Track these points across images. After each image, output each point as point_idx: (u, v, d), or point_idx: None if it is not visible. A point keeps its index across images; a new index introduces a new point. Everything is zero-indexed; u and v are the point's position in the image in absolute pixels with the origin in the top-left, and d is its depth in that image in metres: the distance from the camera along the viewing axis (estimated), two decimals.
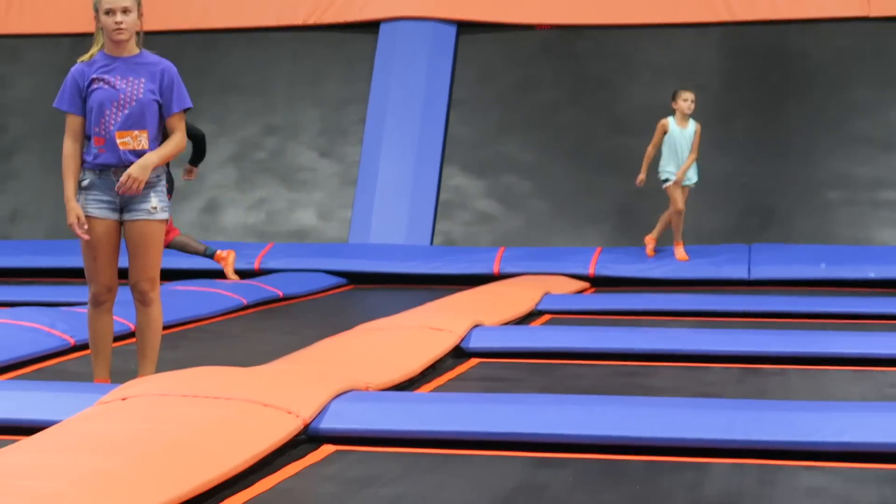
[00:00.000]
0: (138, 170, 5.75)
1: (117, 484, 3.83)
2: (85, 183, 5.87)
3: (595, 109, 14.08)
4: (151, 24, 15.13)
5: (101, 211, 5.88)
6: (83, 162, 5.86)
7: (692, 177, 11.89)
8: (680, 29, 14.39)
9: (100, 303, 6.08)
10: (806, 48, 14.07)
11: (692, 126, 11.81)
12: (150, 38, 15.75)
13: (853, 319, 9.12)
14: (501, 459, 4.76)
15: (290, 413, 4.91)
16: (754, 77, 14.02)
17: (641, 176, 11.87)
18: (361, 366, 6.14)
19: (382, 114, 14.08)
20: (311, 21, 14.88)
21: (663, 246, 12.25)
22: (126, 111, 5.82)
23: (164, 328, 8.38)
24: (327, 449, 4.89)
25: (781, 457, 4.77)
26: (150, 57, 5.99)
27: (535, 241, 13.28)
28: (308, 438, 4.99)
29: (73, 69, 5.94)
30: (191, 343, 7.95)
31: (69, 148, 5.86)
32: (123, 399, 4.96)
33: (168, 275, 12.40)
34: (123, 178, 5.74)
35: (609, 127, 13.93)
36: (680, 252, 12.02)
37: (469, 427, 4.99)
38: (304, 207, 13.99)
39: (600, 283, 12.04)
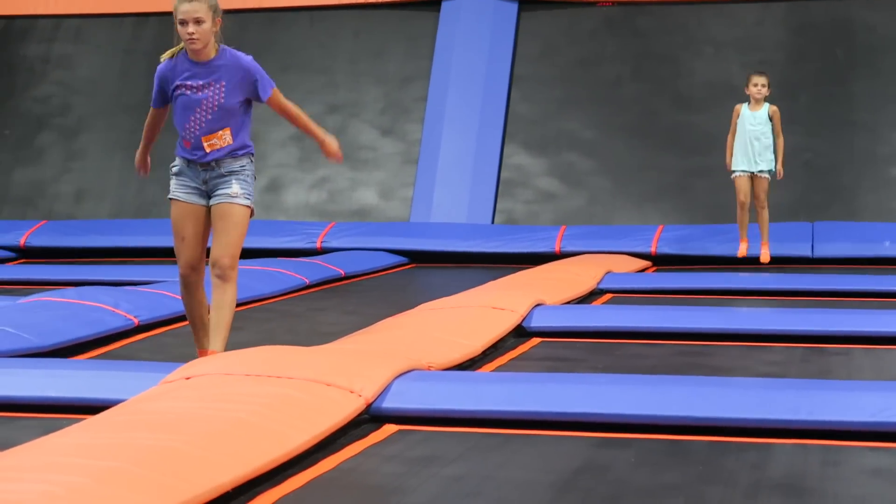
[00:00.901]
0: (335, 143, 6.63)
1: (181, 462, 3.86)
2: (175, 169, 6.26)
3: (657, 86, 14.00)
4: None
5: (188, 196, 6.22)
6: (176, 149, 6.23)
7: (763, 166, 11.09)
8: (743, 4, 14.28)
9: (188, 282, 6.25)
10: (871, 22, 13.91)
11: (765, 109, 11.11)
12: None
13: None
14: (564, 439, 4.76)
15: (352, 392, 4.93)
16: (819, 52, 13.88)
17: (729, 162, 11.15)
18: (423, 345, 6.15)
19: (444, 91, 14.07)
20: None
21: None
22: (209, 117, 6.11)
23: None
24: (389, 428, 4.91)
25: (845, 437, 4.73)
26: (229, 56, 6.18)
27: (596, 220, 13.24)
28: (370, 418, 5.01)
29: (158, 69, 6.21)
30: (254, 323, 8.00)
31: (148, 124, 6.40)
32: (187, 378, 5.01)
33: None
34: (335, 153, 6.67)
35: (671, 103, 13.86)
36: (763, 253, 11.40)
37: (531, 407, 4.99)
38: (365, 186, 14.02)
39: (662, 261, 11.99)
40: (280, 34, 15.07)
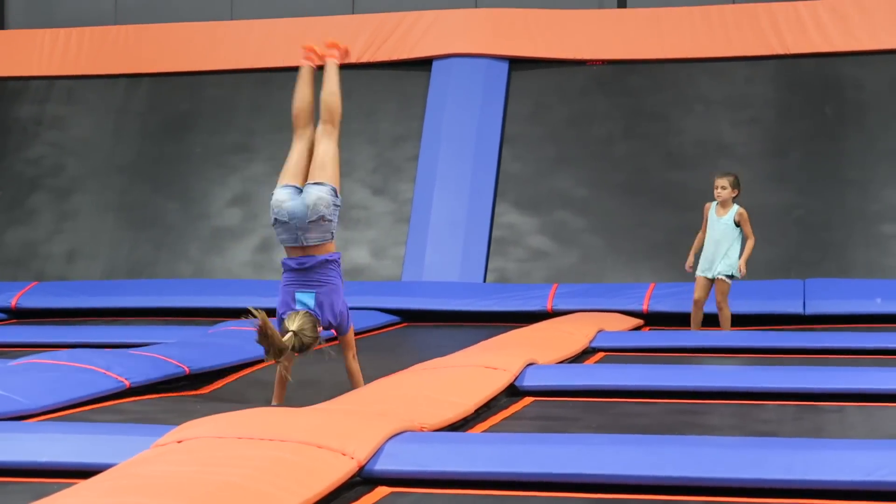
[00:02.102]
0: None
1: None
2: None
3: (648, 144, 14.06)
4: (207, 65, 15.40)
5: None
6: None
7: (721, 269, 10.63)
8: (733, 62, 14.37)
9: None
10: (860, 80, 14.00)
11: (732, 212, 10.64)
12: (207, 78, 15.97)
13: None
14: (558, 500, 4.74)
15: (344, 455, 4.91)
16: (808, 109, 13.96)
17: (690, 260, 10.84)
18: (416, 405, 6.14)
19: (436, 151, 14.12)
20: (365, 59, 14.96)
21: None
22: None
23: (217, 371, 8.47)
24: (382, 491, 4.88)
25: (840, 497, 4.72)
26: None
27: (588, 278, 13.24)
28: (363, 480, 4.99)
29: None
30: (245, 385, 7.97)
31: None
32: (179, 442, 4.99)
33: (223, 314, 12.51)
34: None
35: (663, 161, 13.91)
36: None
37: (525, 468, 4.97)
38: (357, 245, 14.03)
39: (654, 319, 11.98)
40: (273, 95, 15.12)
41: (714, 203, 10.76)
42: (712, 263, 10.69)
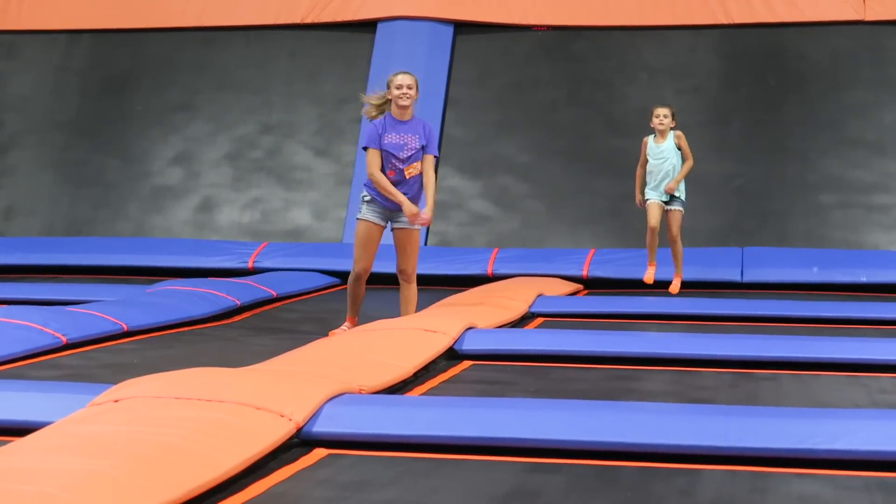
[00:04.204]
0: (430, 214, 8.48)
1: (109, 487, 3.82)
2: (368, 198, 8.42)
3: (592, 110, 14.10)
4: (149, 22, 15.26)
5: (376, 218, 8.45)
6: (371, 187, 8.39)
7: (676, 199, 10.73)
8: (677, 31, 14.41)
9: (359, 279, 8.55)
10: (802, 51, 14.09)
11: (670, 139, 10.72)
12: (149, 36, 15.85)
13: (845, 324, 9.14)
14: (495, 464, 4.76)
15: (282, 416, 4.91)
16: (751, 79, 14.04)
17: (638, 197, 10.90)
18: (355, 368, 6.14)
19: None
20: (309, 19, 14.89)
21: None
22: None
23: (160, 329, 8.46)
24: (320, 453, 4.89)
25: (773, 464, 4.77)
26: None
27: (529, 243, 13.29)
28: (301, 442, 4.99)
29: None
30: (184, 345, 7.95)
31: (378, 175, 8.34)
32: (116, 401, 4.96)
33: (163, 273, 12.45)
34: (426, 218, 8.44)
35: (606, 128, 13.95)
36: (674, 284, 11.01)
37: (463, 432, 4.99)
38: (299, 207, 13.99)
39: (594, 284, 12.05)
40: (216, 54, 15.02)
41: (651, 136, 10.84)
42: (663, 194, 10.75)
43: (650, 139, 10.85)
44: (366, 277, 8.57)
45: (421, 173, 8.41)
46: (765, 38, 14.21)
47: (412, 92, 8.38)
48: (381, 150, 8.34)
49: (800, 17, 14.17)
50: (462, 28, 14.72)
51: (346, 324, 8.51)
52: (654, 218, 10.77)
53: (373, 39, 14.68)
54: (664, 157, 10.73)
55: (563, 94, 14.28)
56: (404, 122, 8.39)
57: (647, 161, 10.84)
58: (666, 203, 10.77)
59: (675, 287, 11.00)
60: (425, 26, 14.62)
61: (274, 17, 14.98)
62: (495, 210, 13.69)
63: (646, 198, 10.85)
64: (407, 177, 8.36)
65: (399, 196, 8.29)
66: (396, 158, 8.32)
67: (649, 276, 11.04)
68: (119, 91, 14.93)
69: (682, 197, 10.78)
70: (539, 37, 14.59)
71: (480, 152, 14.01)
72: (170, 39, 15.21)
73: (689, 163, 10.76)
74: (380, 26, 14.71)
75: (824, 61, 14.01)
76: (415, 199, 8.42)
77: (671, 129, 10.79)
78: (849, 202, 13.19)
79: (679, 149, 10.76)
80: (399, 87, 8.37)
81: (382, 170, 8.33)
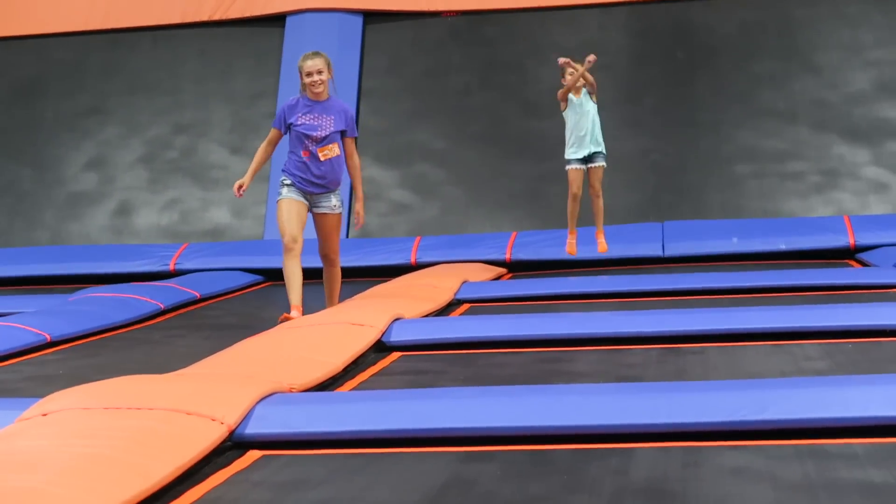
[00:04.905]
0: (363, 210, 8.66)
1: (42, 503, 3.78)
2: (288, 182, 8.35)
3: (505, 94, 14.13)
4: (55, 27, 15.08)
5: (298, 197, 8.36)
6: (289, 171, 8.34)
7: (598, 154, 10.37)
8: (585, 10, 14.48)
9: (290, 250, 8.27)
10: (710, 24, 14.21)
11: (584, 93, 10.25)
12: (55, 41, 15.62)
13: (768, 293, 9.24)
14: (429, 456, 4.77)
15: (214, 420, 4.89)
16: (661, 55, 14.14)
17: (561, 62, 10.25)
18: (283, 366, 6.12)
19: None
20: (217, 16, 14.79)
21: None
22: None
23: (83, 337, 8.38)
24: (254, 454, 4.87)
25: (705, 438, 4.82)
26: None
27: (450, 229, 13.31)
28: (234, 445, 4.97)
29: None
30: (110, 352, 7.88)
31: (262, 147, 8.46)
32: (44, 415, 4.91)
33: (83, 280, 12.33)
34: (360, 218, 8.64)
35: (520, 110, 13.99)
36: (600, 243, 10.67)
37: (395, 425, 4.99)
38: (217, 206, 13.91)
39: (517, 267, 12.09)
40: (124, 56, 14.88)
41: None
42: (587, 150, 10.31)
43: (570, 96, 10.31)
44: (299, 251, 8.32)
45: (337, 155, 8.36)
46: (673, 13, 14.32)
47: (323, 76, 8.29)
48: (294, 131, 8.30)
49: None
50: (371, 17, 14.69)
51: (293, 311, 8.19)
52: (576, 184, 10.33)
53: (282, 34, 14.62)
54: (584, 111, 10.37)
55: (475, 78, 14.30)
56: (319, 103, 8.33)
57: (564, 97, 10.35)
58: (586, 161, 10.49)
59: (602, 246, 10.65)
60: (334, 17, 14.58)
61: (181, 15, 14.87)
62: (415, 198, 13.69)
63: (568, 158, 10.41)
64: (322, 159, 8.31)
65: (248, 176, 8.43)
66: (310, 139, 8.28)
67: (571, 245, 10.68)
68: (27, 98, 14.75)
69: (603, 150, 10.52)
70: (448, 22, 14.60)
71: (397, 141, 14.00)
72: (76, 43, 15.05)
73: (589, 76, 10.25)
74: (288, 20, 14.65)
75: (732, 33, 14.14)
76: (334, 181, 8.41)
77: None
78: (763, 172, 13.34)
79: (592, 99, 10.32)
80: (309, 75, 8.30)
81: (296, 150, 8.30)
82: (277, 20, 14.72)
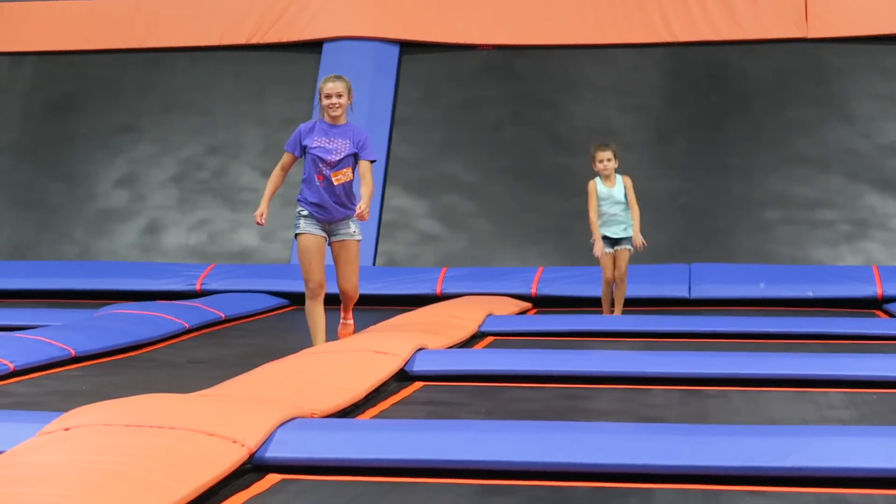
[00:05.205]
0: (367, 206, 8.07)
1: None
2: (305, 213, 8.26)
3: (537, 129, 14.15)
4: (93, 44, 15.18)
5: (315, 230, 8.23)
6: (305, 200, 8.25)
7: (624, 241, 10.56)
8: (621, 49, 14.51)
9: (315, 296, 8.24)
10: (745, 69, 14.22)
11: (619, 182, 10.52)
12: (93, 58, 15.76)
13: (793, 339, 9.21)
14: (448, 487, 4.76)
15: (235, 442, 4.89)
16: (694, 97, 14.14)
17: (597, 244, 10.49)
18: (306, 391, 6.13)
19: None
20: (254, 40, 14.88)
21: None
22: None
23: (107, 354, 8.41)
24: (273, 478, 4.87)
25: (725, 482, 4.80)
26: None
27: (477, 261, 13.31)
28: (253, 468, 4.97)
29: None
30: (133, 370, 7.90)
31: (276, 173, 8.39)
32: (66, 429, 4.92)
33: (109, 296, 12.37)
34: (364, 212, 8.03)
35: (551, 146, 14.01)
36: None
37: (415, 455, 4.99)
38: (246, 228, 13.95)
39: (542, 302, 12.08)
40: (161, 75, 14.97)
41: (597, 179, 10.55)
42: (617, 237, 10.56)
43: (597, 183, 10.53)
44: (322, 295, 8.25)
45: (350, 180, 8.22)
46: (708, 57, 14.33)
47: (342, 100, 8.18)
48: (308, 155, 8.21)
49: (742, 35, 14.31)
50: (407, 47, 14.75)
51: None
52: (609, 269, 10.59)
53: (318, 60, 14.69)
54: (615, 200, 10.49)
55: (507, 112, 14.33)
56: (336, 127, 8.21)
57: (596, 204, 10.54)
58: (614, 244, 10.61)
59: None
60: (371, 46, 14.65)
61: (219, 38, 14.96)
62: (442, 229, 13.70)
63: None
64: (335, 183, 8.17)
65: (264, 203, 8.30)
66: (324, 163, 8.14)
67: None
68: (63, 113, 14.85)
69: (631, 235, 10.63)
70: (484, 56, 14.65)
71: (427, 172, 14.03)
72: (114, 61, 15.15)
73: (637, 209, 10.53)
74: (325, 46, 14.73)
75: (767, 79, 14.14)
76: (343, 207, 8.23)
77: (615, 171, 10.54)
78: (793, 218, 13.31)
79: (625, 195, 10.52)
80: (328, 97, 8.18)
81: (310, 176, 8.20)
82: (314, 46, 14.79)
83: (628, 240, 10.58)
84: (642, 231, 10.58)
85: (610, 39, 14.47)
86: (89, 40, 15.20)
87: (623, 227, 10.56)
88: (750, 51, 14.27)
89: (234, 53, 14.99)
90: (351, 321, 8.67)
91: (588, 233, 10.73)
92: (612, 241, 10.58)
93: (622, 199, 10.55)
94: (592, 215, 10.58)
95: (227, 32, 14.93)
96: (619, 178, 10.57)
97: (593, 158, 10.56)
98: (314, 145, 8.18)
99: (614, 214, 10.56)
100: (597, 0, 14.60)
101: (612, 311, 10.83)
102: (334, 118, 8.20)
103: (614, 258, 10.61)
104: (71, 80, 15.08)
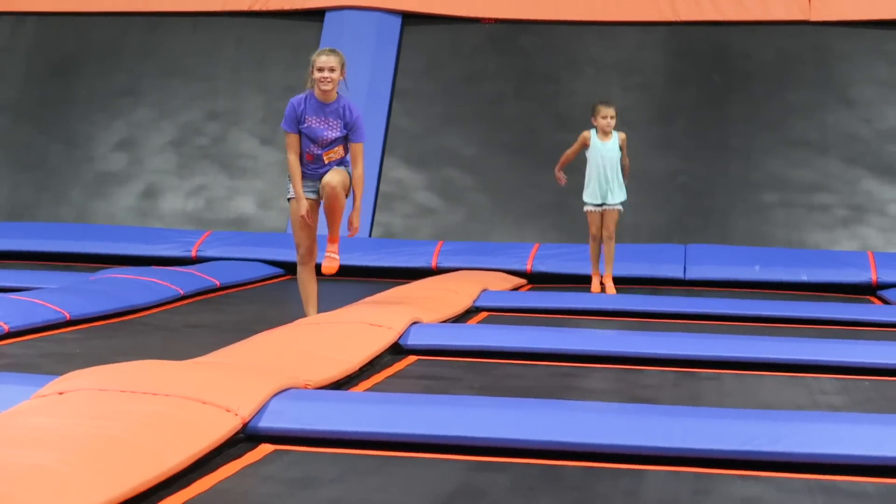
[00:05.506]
0: (357, 220, 8.11)
1: (53, 481, 3.80)
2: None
3: (539, 104, 14.13)
4: (96, 6, 15.14)
5: (310, 194, 8.11)
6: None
7: (617, 196, 10.68)
8: (625, 27, 14.48)
9: (305, 262, 8.26)
10: (748, 50, 14.20)
11: (615, 137, 10.62)
12: (95, 20, 15.70)
13: (787, 323, 9.22)
14: (440, 462, 4.78)
15: (228, 411, 4.90)
16: (697, 77, 14.12)
17: (559, 174, 10.87)
18: (300, 362, 6.14)
19: None
20: (257, 7, 14.84)
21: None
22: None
23: (102, 318, 8.41)
24: (265, 448, 4.88)
25: (717, 465, 4.82)
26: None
27: (474, 236, 13.31)
28: (247, 437, 4.99)
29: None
30: (128, 335, 7.91)
31: (293, 159, 8.12)
32: (60, 393, 4.93)
33: (104, 260, 12.37)
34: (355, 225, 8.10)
35: (552, 122, 13.99)
36: (608, 286, 10.82)
37: (408, 429, 5.00)
38: (243, 195, 13.94)
39: (537, 279, 12.09)
40: (162, 39, 14.93)
41: (593, 131, 10.63)
42: (606, 193, 10.64)
43: (592, 134, 10.65)
44: (313, 262, 8.22)
45: (342, 157, 8.10)
46: (711, 37, 14.31)
47: (335, 75, 7.95)
48: (300, 133, 8.07)
49: (746, 16, 14.28)
50: (410, 19, 14.72)
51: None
52: (595, 226, 10.73)
53: (320, 28, 14.65)
54: (608, 155, 10.65)
55: (510, 87, 14.31)
56: (327, 105, 8.02)
57: (577, 152, 10.70)
58: (602, 204, 10.71)
59: (611, 289, 10.85)
60: (373, 16, 14.61)
61: (221, 3, 14.92)
62: (440, 202, 13.70)
63: (584, 201, 10.75)
64: (326, 161, 8.09)
65: (300, 193, 8.06)
66: (315, 143, 8.03)
67: (596, 286, 10.91)
68: (63, 75, 14.81)
69: (623, 197, 10.73)
70: (487, 29, 14.61)
71: (426, 144, 14.02)
72: (116, 24, 15.11)
73: (628, 161, 10.71)
74: (327, 15, 14.69)
75: (769, 60, 14.13)
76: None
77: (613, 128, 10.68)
78: (791, 201, 13.31)
79: (620, 149, 10.67)
80: (321, 70, 7.95)
81: (301, 152, 8.08)
82: (316, 15, 14.76)
83: (619, 201, 10.69)
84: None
85: (614, 17, 14.44)
86: (92, 2, 15.15)
87: (613, 191, 10.64)
88: (753, 32, 14.25)
89: (236, 20, 14.95)
90: (336, 254, 8.35)
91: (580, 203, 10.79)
92: (600, 203, 10.70)
93: (616, 154, 10.63)
94: (567, 152, 10.79)
95: None
96: (615, 133, 10.66)
97: (595, 113, 10.64)
98: (305, 125, 8.03)
99: (605, 175, 10.61)
100: None
101: (599, 273, 10.88)
102: (325, 92, 7.98)
103: (602, 216, 10.66)
104: (72, 42, 15.04)
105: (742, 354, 7.28)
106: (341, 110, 8.03)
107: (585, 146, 10.69)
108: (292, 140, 8.08)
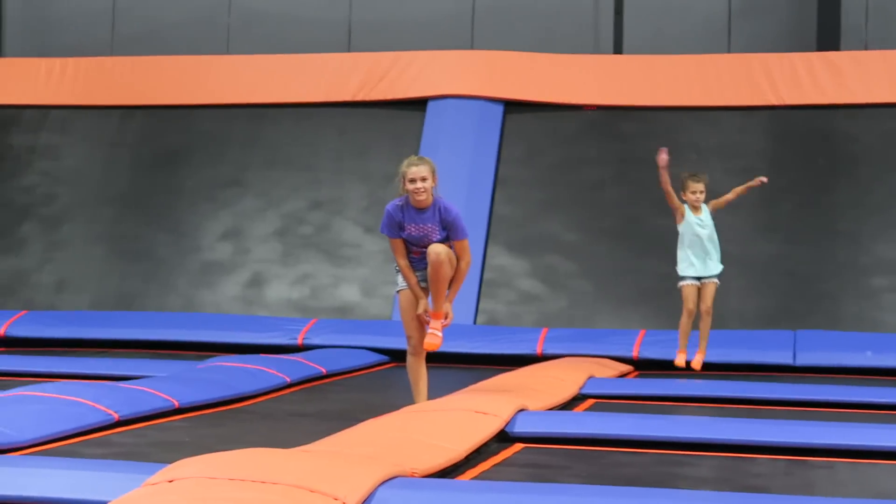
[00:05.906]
0: (450, 310, 8.15)
1: None
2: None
3: (639, 190, 14.09)
4: (201, 99, 15.43)
5: (422, 283, 8.12)
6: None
7: (713, 269, 10.59)
8: (726, 111, 14.43)
9: (417, 352, 8.22)
10: (852, 132, 14.07)
11: (705, 210, 10.63)
12: (200, 112, 16.01)
13: None
14: None
15: (336, 499, 4.88)
16: (800, 160, 14.02)
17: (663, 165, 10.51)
18: (407, 449, 6.11)
19: None
20: (360, 97, 15.03)
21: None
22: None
23: (209, 406, 8.46)
24: None
25: None
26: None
27: (578, 322, 13.25)
28: None
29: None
30: (236, 423, 7.94)
31: (402, 263, 8.19)
32: (170, 481, 4.95)
33: (212, 348, 12.48)
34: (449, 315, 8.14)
35: (653, 207, 13.92)
36: (696, 360, 10.74)
37: None
38: (347, 283, 14.02)
39: (644, 365, 11.98)
40: (266, 130, 15.15)
41: (685, 206, 10.61)
42: (704, 266, 10.56)
43: (686, 210, 10.61)
44: (424, 352, 8.22)
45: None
46: (815, 120, 14.21)
47: (427, 184, 7.98)
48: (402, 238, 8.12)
49: (850, 99, 14.18)
50: (511, 106, 14.80)
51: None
52: (692, 301, 10.61)
53: (422, 117, 14.79)
54: (705, 226, 10.57)
55: (610, 172, 14.30)
56: (423, 211, 8.06)
57: (675, 205, 10.61)
58: (701, 278, 10.62)
59: (698, 363, 10.74)
60: (475, 105, 14.72)
61: (324, 94, 15.13)
62: (543, 289, 13.67)
63: (681, 275, 10.65)
64: None
65: (419, 293, 8.12)
66: (417, 246, 8.11)
67: (680, 361, 10.79)
68: (170, 166, 15.08)
69: (719, 270, 10.65)
70: (588, 116, 14.64)
71: (528, 231, 14.03)
72: (221, 115, 15.38)
73: (739, 189, 10.88)
74: (430, 104, 14.83)
75: (874, 143, 13.99)
76: None
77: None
78: None
79: (712, 216, 10.65)
80: (412, 181, 8.00)
81: (406, 249, 8.13)
82: (419, 104, 14.90)
83: (716, 273, 10.59)
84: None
85: (715, 101, 14.41)
86: (197, 95, 15.45)
87: (711, 263, 10.56)
88: (857, 114, 14.13)
89: (339, 110, 15.14)
90: (439, 332, 8.22)
91: None
92: (698, 277, 10.60)
93: (710, 223, 10.59)
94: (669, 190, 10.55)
95: (332, 90, 15.09)
96: (704, 206, 10.65)
97: (685, 188, 10.62)
98: (405, 233, 8.10)
99: (704, 245, 10.55)
100: (702, 62, 14.56)
101: (685, 351, 10.73)
102: (419, 202, 8.03)
103: (699, 290, 10.55)
104: (178, 134, 15.32)
105: (856, 442, 7.12)
106: (438, 213, 8.06)
107: (682, 218, 10.62)
108: (397, 244, 8.16)
